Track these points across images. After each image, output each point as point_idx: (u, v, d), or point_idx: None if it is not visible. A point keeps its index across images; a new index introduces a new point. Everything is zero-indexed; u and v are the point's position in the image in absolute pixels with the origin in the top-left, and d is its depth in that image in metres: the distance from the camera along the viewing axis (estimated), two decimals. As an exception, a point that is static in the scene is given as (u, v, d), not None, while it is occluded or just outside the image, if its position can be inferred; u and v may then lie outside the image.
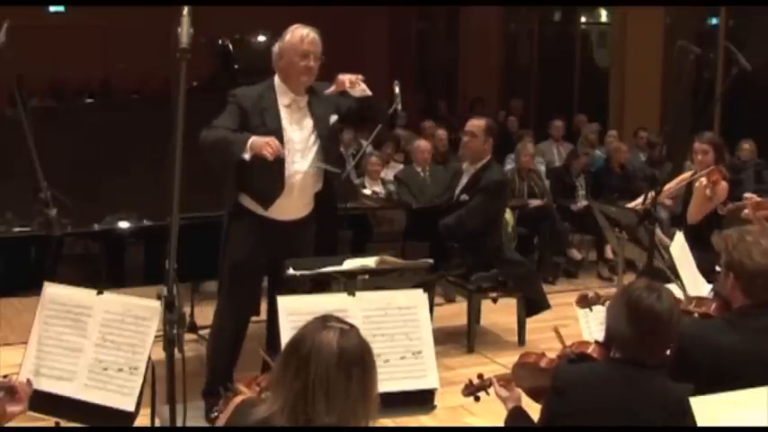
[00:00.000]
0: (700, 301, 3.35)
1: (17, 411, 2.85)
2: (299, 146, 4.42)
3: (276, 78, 4.44)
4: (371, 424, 2.24)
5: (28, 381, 3.09)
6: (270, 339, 4.63)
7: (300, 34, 4.34)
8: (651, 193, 4.50)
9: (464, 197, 6.06)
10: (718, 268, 3.32)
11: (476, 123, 6.16)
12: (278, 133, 4.33)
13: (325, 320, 2.23)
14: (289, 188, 4.41)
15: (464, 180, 6.19)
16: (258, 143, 4.14)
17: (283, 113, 4.39)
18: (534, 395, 3.12)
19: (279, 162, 4.32)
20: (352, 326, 2.24)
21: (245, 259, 4.45)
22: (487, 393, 3.23)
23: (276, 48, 4.41)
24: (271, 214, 4.45)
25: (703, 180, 5.71)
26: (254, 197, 4.44)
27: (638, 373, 2.67)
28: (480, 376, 3.23)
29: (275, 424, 2.14)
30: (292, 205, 4.48)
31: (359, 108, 4.50)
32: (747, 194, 5.10)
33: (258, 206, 4.45)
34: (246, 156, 4.16)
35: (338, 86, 4.43)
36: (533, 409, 3.04)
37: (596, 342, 2.92)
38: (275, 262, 4.34)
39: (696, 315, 3.26)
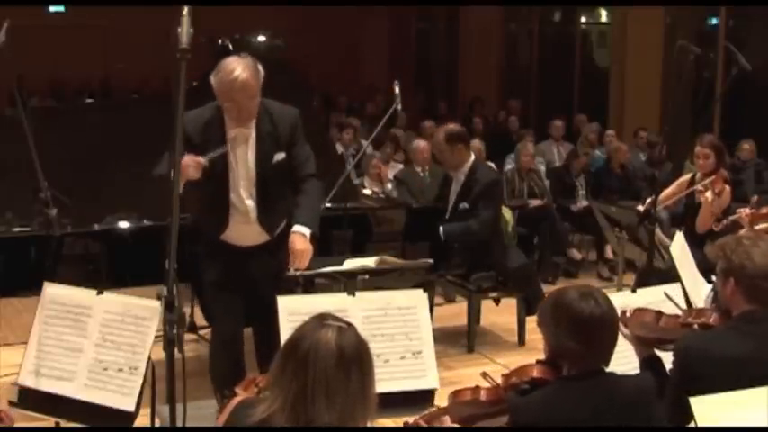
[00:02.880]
0: (699, 312, 3.29)
1: None
2: (245, 181, 4.11)
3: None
4: (371, 423, 2.24)
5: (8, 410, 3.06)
6: (259, 339, 4.50)
7: (227, 80, 3.89)
8: (650, 199, 4.52)
9: (463, 205, 6.02)
10: (714, 278, 3.29)
11: (437, 141, 6.15)
12: (223, 167, 4.05)
13: (322, 319, 2.23)
14: (241, 217, 4.14)
15: (456, 187, 6.15)
16: (183, 172, 3.70)
17: (229, 146, 4.05)
18: (470, 421, 2.99)
19: (222, 197, 4.08)
20: (349, 324, 2.23)
21: (215, 279, 4.26)
22: None
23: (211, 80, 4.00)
24: (228, 240, 4.20)
25: (709, 196, 5.70)
26: (204, 227, 4.23)
27: (599, 381, 2.63)
28: (404, 424, 3.07)
29: (275, 423, 2.14)
30: (250, 232, 4.19)
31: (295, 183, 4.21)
32: (739, 210, 5.09)
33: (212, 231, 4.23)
34: (181, 187, 3.76)
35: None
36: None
37: (538, 362, 2.80)
38: (246, 280, 4.19)
39: (696, 326, 3.21)
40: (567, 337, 2.60)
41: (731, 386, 2.62)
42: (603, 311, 2.61)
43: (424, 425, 2.98)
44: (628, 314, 3.23)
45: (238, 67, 3.89)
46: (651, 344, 3.24)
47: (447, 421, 2.98)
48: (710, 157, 5.90)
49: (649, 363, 3.19)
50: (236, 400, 2.39)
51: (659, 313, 3.27)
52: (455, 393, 3.00)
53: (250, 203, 4.13)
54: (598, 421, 2.55)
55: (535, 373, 2.76)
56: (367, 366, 2.19)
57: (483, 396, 2.91)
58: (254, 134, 4.08)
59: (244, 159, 4.09)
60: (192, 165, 3.81)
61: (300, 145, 4.18)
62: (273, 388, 2.19)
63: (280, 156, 4.11)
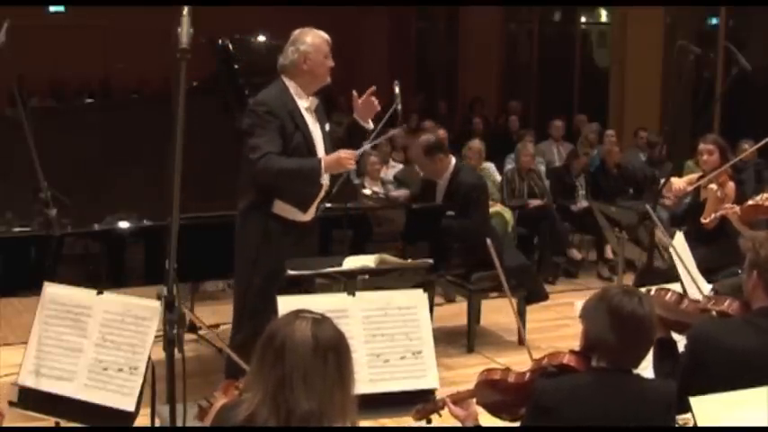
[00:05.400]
0: (719, 299, 3.31)
1: None
2: (321, 147, 4.45)
3: (286, 82, 4.41)
4: (359, 423, 2.26)
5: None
6: None
7: (321, 36, 4.42)
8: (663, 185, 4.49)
9: (449, 213, 6.09)
10: (740, 271, 3.32)
11: (416, 155, 6.24)
12: (308, 134, 4.38)
13: (297, 312, 2.28)
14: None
15: (440, 191, 6.22)
16: (334, 164, 4.24)
17: (305, 115, 4.42)
18: (495, 409, 3.05)
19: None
20: (324, 316, 2.28)
21: (281, 267, 4.38)
22: (439, 415, 3.15)
23: (294, 53, 4.37)
24: (304, 217, 4.45)
25: (714, 186, 5.69)
26: (293, 202, 4.40)
27: (627, 379, 2.66)
28: (431, 399, 3.14)
29: (259, 418, 2.16)
30: (316, 204, 4.51)
31: (346, 130, 4.59)
32: (728, 205, 5.09)
33: (294, 210, 4.41)
34: (324, 181, 4.32)
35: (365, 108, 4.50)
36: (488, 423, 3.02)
37: (571, 351, 2.84)
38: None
39: (714, 313, 3.22)
40: (605, 330, 2.64)
41: (739, 377, 2.63)
42: (645, 313, 2.64)
43: (451, 404, 3.01)
44: (652, 293, 3.28)
45: (318, 30, 4.43)
46: (670, 326, 3.26)
47: (472, 404, 3.02)
48: (714, 153, 5.88)
49: (663, 344, 3.22)
50: (218, 405, 2.40)
51: (681, 296, 3.31)
52: (486, 372, 3.05)
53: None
54: (620, 418, 2.58)
55: (566, 360, 2.80)
56: (344, 354, 2.23)
57: (512, 378, 2.95)
58: (317, 104, 4.50)
59: (316, 127, 4.46)
60: (351, 157, 4.24)
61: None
62: (254, 382, 2.22)
63: (328, 126, 4.57)
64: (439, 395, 3.47)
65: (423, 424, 3.21)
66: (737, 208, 5.09)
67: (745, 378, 2.62)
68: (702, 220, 5.23)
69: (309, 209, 4.45)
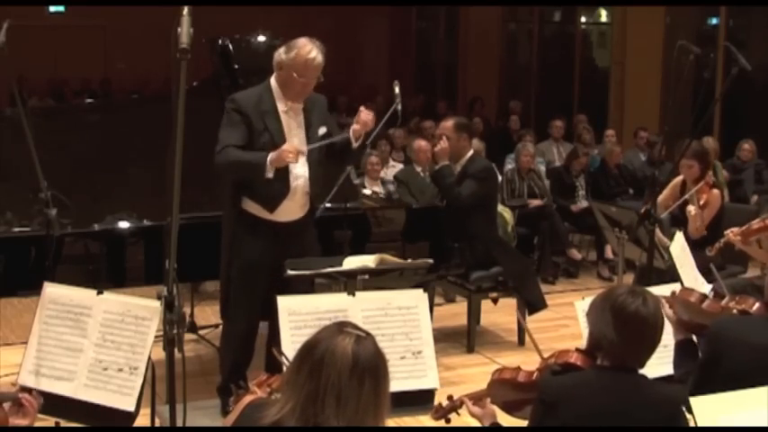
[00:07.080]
0: (741, 299, 3.33)
1: (22, 425, 2.83)
2: (302, 148, 4.42)
3: (273, 82, 4.45)
4: None
5: (37, 394, 3.01)
6: (272, 335, 4.62)
7: (305, 58, 4.33)
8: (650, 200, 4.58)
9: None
10: (751, 274, 3.34)
11: (444, 126, 6.25)
12: (279, 136, 4.37)
13: (341, 326, 2.21)
14: (292, 191, 4.46)
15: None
16: (277, 158, 4.21)
17: (282, 118, 4.44)
18: (509, 408, 3.09)
19: (283, 169, 4.35)
20: (368, 334, 2.21)
21: (255, 261, 4.45)
22: (458, 414, 3.18)
23: (278, 57, 4.40)
24: (275, 217, 4.47)
25: (692, 209, 5.86)
26: (260, 201, 4.45)
27: (630, 378, 2.65)
28: (450, 398, 3.17)
29: (285, 426, 2.12)
30: (294, 206, 4.51)
31: (339, 145, 4.55)
32: (727, 231, 5.14)
33: (262, 210, 4.46)
34: (270, 174, 4.24)
35: (360, 128, 4.46)
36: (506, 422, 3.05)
37: (577, 350, 2.87)
38: (281, 263, 4.35)
39: (735, 312, 3.23)
40: (608, 329, 2.64)
41: (756, 373, 2.63)
42: (649, 313, 2.64)
43: (469, 402, 3.06)
44: (676, 293, 3.33)
45: (314, 49, 4.36)
46: (692, 330, 3.26)
47: (488, 403, 3.07)
48: (694, 166, 6.12)
49: (684, 345, 3.24)
50: (247, 400, 2.37)
51: (704, 296, 3.33)
52: (498, 371, 3.11)
53: (302, 173, 4.47)
54: (618, 417, 2.58)
55: (571, 358, 2.84)
56: (382, 377, 2.17)
57: (521, 378, 3.01)
58: (302, 108, 4.49)
59: (297, 131, 4.47)
60: (293, 151, 4.21)
61: (334, 123, 4.77)
62: (286, 389, 2.17)
63: (323, 129, 4.54)
64: (439, 395, 3.48)
65: (442, 423, 3.24)
66: (738, 230, 5.12)
67: (762, 374, 2.63)
68: (708, 253, 5.29)
69: (277, 209, 4.45)
